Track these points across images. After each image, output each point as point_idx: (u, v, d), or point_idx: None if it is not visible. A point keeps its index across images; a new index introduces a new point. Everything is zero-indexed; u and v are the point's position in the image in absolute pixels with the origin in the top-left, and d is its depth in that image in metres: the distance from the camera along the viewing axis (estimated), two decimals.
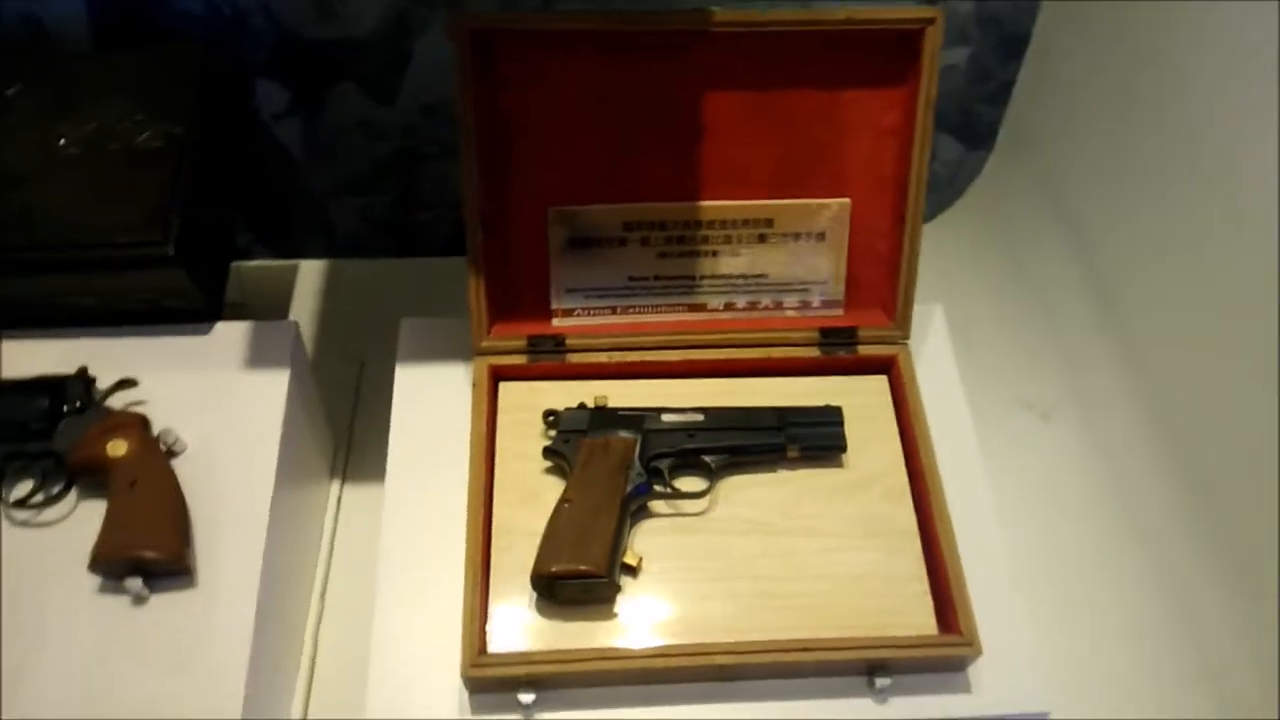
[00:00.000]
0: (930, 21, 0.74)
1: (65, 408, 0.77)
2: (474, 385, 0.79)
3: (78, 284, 0.80)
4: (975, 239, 1.02)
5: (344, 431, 1.02)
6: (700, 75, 0.75)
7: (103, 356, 0.81)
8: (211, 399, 0.82)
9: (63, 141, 0.84)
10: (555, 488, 0.76)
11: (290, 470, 0.82)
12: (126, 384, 0.79)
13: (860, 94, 0.76)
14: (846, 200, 0.79)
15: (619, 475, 0.73)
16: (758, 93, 0.76)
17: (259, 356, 0.84)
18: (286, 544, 0.80)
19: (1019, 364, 0.97)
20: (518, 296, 0.80)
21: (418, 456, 0.80)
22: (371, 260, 1.18)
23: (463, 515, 0.76)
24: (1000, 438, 0.86)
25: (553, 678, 0.68)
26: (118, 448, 0.76)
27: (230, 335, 0.85)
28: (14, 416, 0.76)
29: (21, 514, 0.76)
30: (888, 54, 0.75)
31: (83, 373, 0.79)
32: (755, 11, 0.76)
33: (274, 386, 0.83)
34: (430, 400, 0.83)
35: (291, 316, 1.07)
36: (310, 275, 1.16)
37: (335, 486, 0.97)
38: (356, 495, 0.96)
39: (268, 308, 1.09)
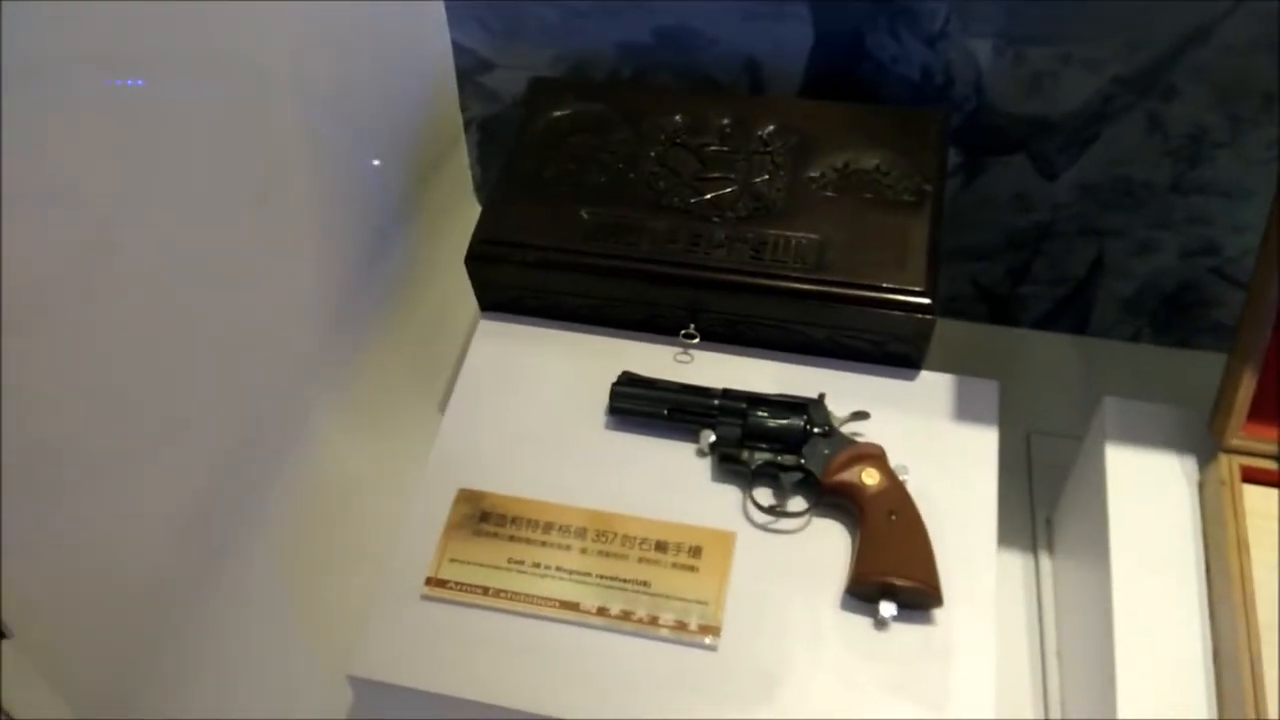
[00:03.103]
0: None
1: (812, 429, 0.81)
2: (1220, 483, 0.75)
3: (826, 314, 0.84)
4: None
5: None
6: None
7: (818, 384, 0.84)
8: (923, 444, 0.82)
9: (815, 182, 0.89)
10: None
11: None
12: (861, 416, 0.82)
13: None
14: None
15: None
16: None
17: (966, 411, 0.84)
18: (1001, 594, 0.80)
19: None
20: (1273, 399, 0.76)
21: (1137, 541, 0.77)
22: (956, 322, 1.18)
23: (1197, 613, 0.73)
24: None
25: None
26: (871, 476, 0.78)
27: (935, 385, 0.86)
28: (774, 430, 0.80)
29: (761, 518, 0.80)
30: None
31: (822, 399, 0.83)
32: None
33: (985, 442, 0.82)
34: (1145, 485, 0.79)
35: None
36: None
37: None
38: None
39: None
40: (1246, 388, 0.75)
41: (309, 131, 0.94)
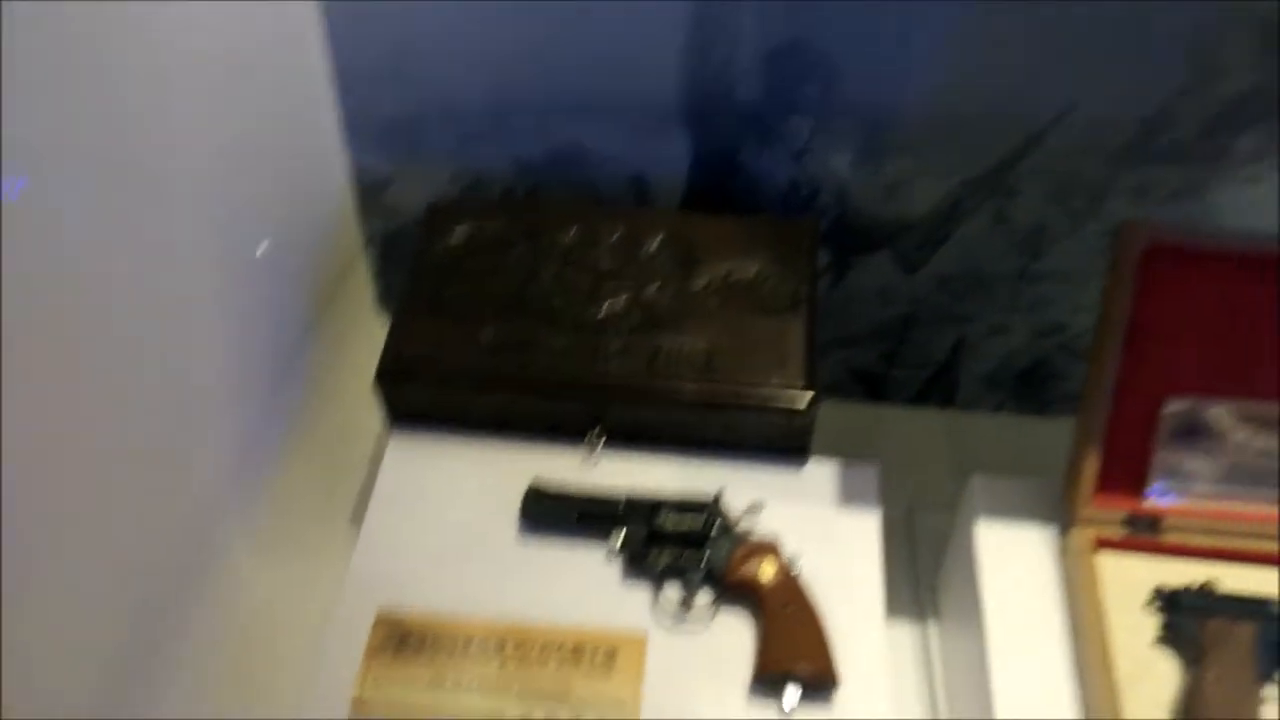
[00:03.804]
0: None
1: (712, 527, 0.85)
2: (1076, 553, 0.82)
3: (716, 418, 0.88)
4: None
5: None
6: None
7: (716, 479, 0.88)
8: (813, 530, 0.87)
9: (701, 291, 0.94)
10: (1163, 661, 0.78)
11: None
12: (755, 509, 0.86)
13: None
14: None
15: (1249, 661, 0.75)
16: None
17: (850, 495, 0.90)
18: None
19: None
20: (1116, 473, 0.83)
21: (1009, 610, 0.83)
22: (838, 404, 1.25)
23: (1066, 673, 0.80)
24: None
25: None
26: (766, 570, 0.82)
27: (821, 473, 0.92)
28: (677, 531, 0.84)
29: (670, 616, 0.83)
30: None
31: (720, 496, 0.87)
32: None
33: (868, 524, 0.88)
34: (1014, 557, 0.86)
35: None
36: None
37: None
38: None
39: None
40: (1091, 465, 0.83)
41: (209, 247, 0.94)
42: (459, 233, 0.98)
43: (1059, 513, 0.87)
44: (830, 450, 1.00)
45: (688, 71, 0.98)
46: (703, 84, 0.98)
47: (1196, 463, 0.83)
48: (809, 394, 0.86)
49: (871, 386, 1.24)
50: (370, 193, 1.10)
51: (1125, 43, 0.92)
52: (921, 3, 0.89)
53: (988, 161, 1.00)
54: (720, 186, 1.06)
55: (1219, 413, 0.82)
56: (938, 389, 1.22)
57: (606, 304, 0.92)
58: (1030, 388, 1.20)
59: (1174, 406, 0.82)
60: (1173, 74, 0.93)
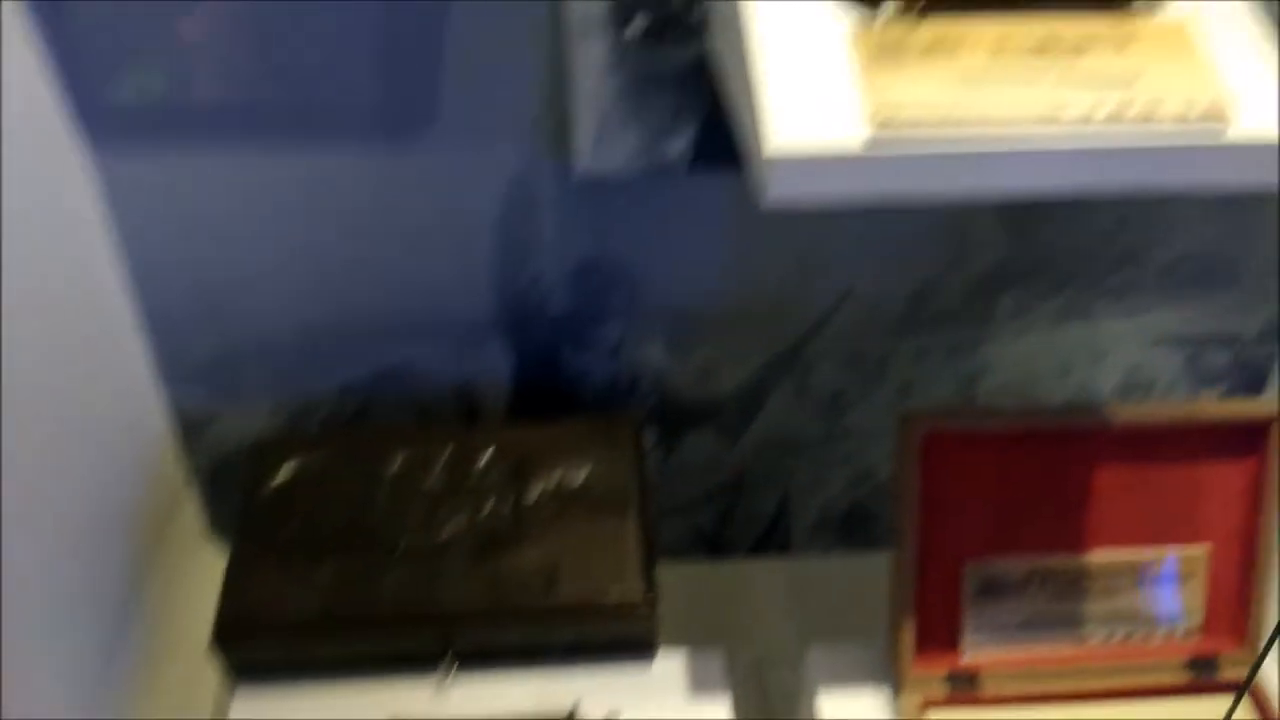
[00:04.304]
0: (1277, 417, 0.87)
1: None
2: (907, 715, 0.87)
3: (561, 632, 0.89)
4: None
5: None
6: (1090, 455, 0.88)
7: (570, 689, 0.89)
8: None
9: (535, 504, 0.96)
10: None
11: None
12: None
13: (1217, 465, 0.88)
14: (1206, 546, 0.90)
15: None
16: (1134, 467, 0.88)
17: (698, 686, 0.92)
18: None
19: None
20: (932, 635, 0.89)
21: None
22: (683, 565, 1.28)
23: None
24: None
25: None
26: None
27: (670, 667, 0.93)
28: None
29: None
30: (1240, 437, 0.88)
31: (574, 713, 0.87)
32: (1135, 407, 0.91)
33: (718, 714, 0.91)
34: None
35: None
36: None
37: None
38: None
39: None
40: (908, 632, 0.88)
41: (15, 497, 0.90)
42: (286, 469, 0.96)
43: (890, 674, 0.93)
44: (679, 610, 1.00)
45: (500, 288, 1.02)
46: (516, 299, 1.03)
47: (1001, 616, 0.90)
48: (649, 597, 0.89)
49: (713, 545, 1.28)
50: (192, 429, 1.07)
51: (888, 233, 1.02)
52: (700, 217, 0.97)
53: (782, 344, 1.08)
54: (545, 387, 1.09)
55: (1013, 569, 0.90)
56: (773, 540, 1.27)
57: (443, 528, 0.93)
58: (855, 528, 1.27)
59: (973, 568, 0.90)
60: (933, 254, 1.04)
